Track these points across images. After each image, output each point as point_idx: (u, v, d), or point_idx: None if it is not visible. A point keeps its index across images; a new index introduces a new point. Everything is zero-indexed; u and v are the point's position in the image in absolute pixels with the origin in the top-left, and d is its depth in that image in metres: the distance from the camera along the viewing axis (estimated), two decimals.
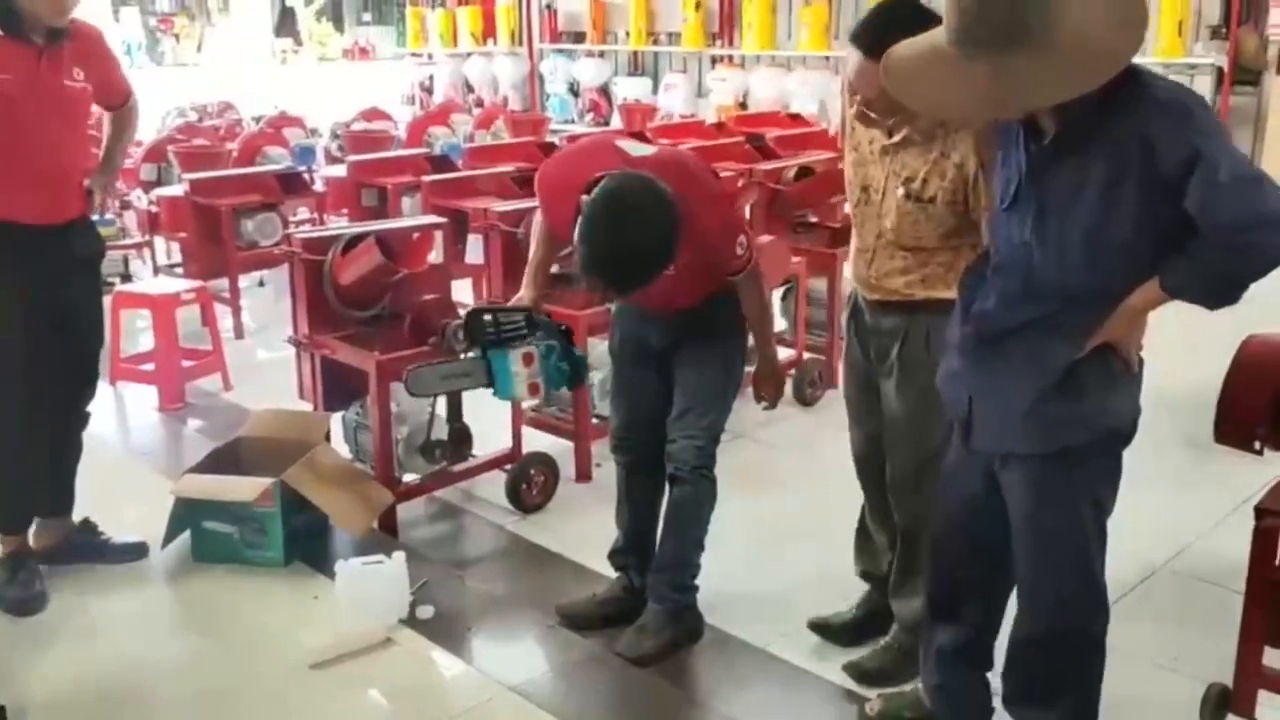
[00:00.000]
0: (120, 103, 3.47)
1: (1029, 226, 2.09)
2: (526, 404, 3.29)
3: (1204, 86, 8.43)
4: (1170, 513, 3.61)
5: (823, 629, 3.10)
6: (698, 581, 3.12)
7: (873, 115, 2.55)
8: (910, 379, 2.64)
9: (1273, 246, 1.92)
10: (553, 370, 3.07)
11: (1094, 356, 2.09)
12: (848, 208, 2.82)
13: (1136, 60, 1.96)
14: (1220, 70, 8.58)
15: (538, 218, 3.15)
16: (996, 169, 2.23)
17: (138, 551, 3.42)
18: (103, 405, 4.93)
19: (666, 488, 3.12)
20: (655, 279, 2.67)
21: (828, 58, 10.99)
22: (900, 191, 2.59)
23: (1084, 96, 1.92)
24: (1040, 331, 2.12)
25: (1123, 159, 1.96)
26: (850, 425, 2.96)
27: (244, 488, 3.27)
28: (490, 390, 3.12)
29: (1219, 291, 2.01)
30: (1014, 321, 2.14)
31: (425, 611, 3.05)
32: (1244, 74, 8.72)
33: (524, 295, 3.08)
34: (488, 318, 3.03)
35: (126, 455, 4.31)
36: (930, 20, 2.25)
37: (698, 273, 2.82)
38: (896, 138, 2.58)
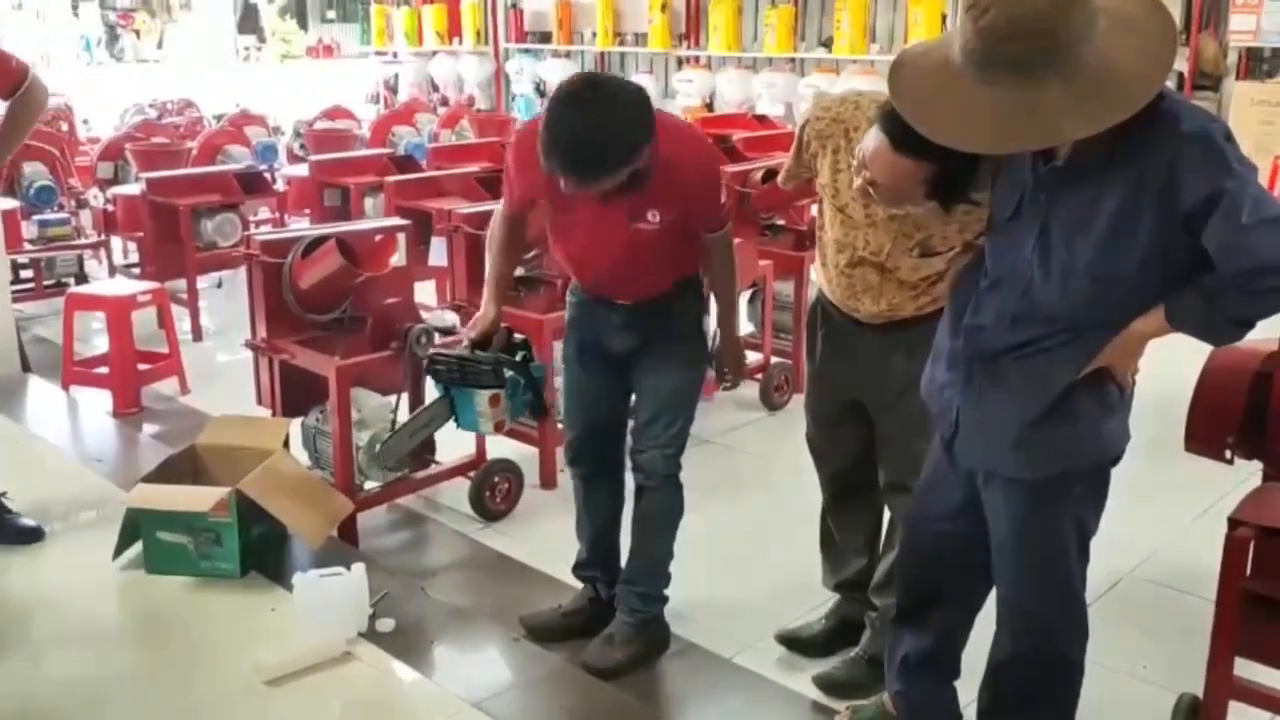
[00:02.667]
0: (11, 87, 3.19)
1: (1031, 246, 2.02)
2: None
3: None
4: (1136, 519, 3.58)
5: (791, 642, 3.06)
6: (667, 592, 3.08)
7: (873, 195, 2.31)
8: (914, 389, 2.56)
9: None
10: (519, 404, 3.01)
11: (1090, 382, 2.04)
12: (828, 248, 2.68)
13: None
14: (1181, 75, 8.64)
15: (494, 225, 3.02)
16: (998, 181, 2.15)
17: (33, 535, 3.43)
18: (55, 410, 4.86)
19: (628, 495, 3.08)
20: (622, 171, 2.50)
21: (794, 59, 10.98)
22: (915, 251, 2.49)
23: None
24: (1036, 353, 2.06)
25: (1140, 190, 1.88)
26: (823, 443, 2.91)
27: (198, 497, 3.17)
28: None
29: (1226, 331, 1.97)
30: (1010, 341, 2.08)
31: (386, 624, 2.98)
32: (1204, 79, 8.79)
33: (486, 313, 2.95)
34: (452, 362, 2.97)
35: (78, 461, 4.20)
36: None
37: (677, 237, 2.73)
38: (915, 209, 2.41)
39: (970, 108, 1.86)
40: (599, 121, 2.43)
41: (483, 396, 2.95)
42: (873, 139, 2.20)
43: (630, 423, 3.04)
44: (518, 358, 3.01)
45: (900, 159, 2.14)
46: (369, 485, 3.77)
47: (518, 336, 3.08)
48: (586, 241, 2.79)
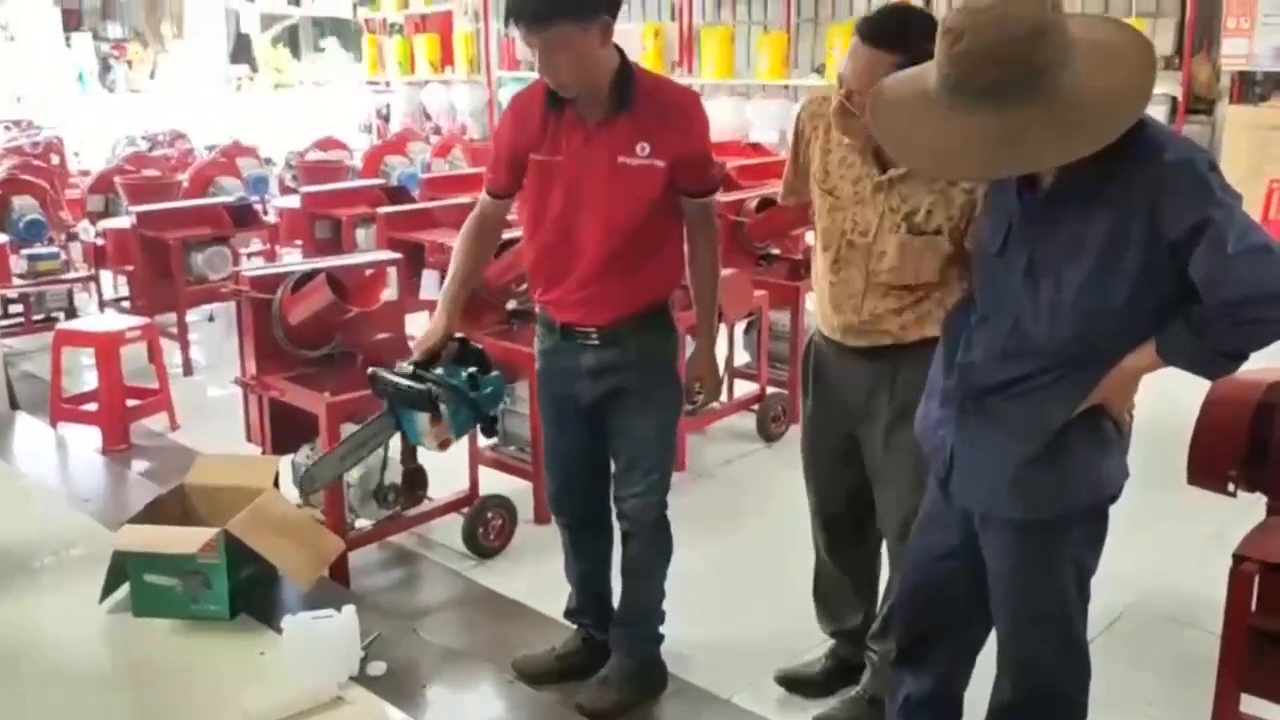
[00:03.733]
0: None
1: (1019, 279, 1.99)
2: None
3: (1158, 115, 8.41)
4: (1137, 552, 3.53)
5: (791, 682, 3.01)
6: (662, 630, 3.02)
7: (851, 110, 2.40)
8: (904, 425, 2.54)
9: (1278, 322, 1.83)
10: (461, 422, 2.85)
11: (1084, 420, 2.00)
12: (811, 237, 2.72)
13: None
14: (1174, 100, 8.68)
15: (466, 223, 2.91)
16: (985, 211, 2.15)
17: None
18: (43, 447, 4.81)
19: (616, 538, 3.01)
20: (575, 21, 2.46)
21: (787, 86, 11.01)
22: (902, 228, 2.47)
23: None
24: (1029, 390, 2.02)
25: (1126, 221, 1.86)
26: (819, 486, 2.86)
27: (186, 539, 3.11)
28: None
29: (1216, 364, 1.94)
30: (1001, 377, 2.05)
31: (377, 667, 2.91)
32: (1198, 103, 8.83)
33: (434, 329, 2.80)
34: (387, 384, 2.81)
35: (66, 500, 4.14)
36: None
37: (660, 202, 2.66)
38: (895, 172, 2.45)
39: (947, 135, 1.86)
40: None
41: (423, 417, 2.83)
42: (851, 46, 2.39)
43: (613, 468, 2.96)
44: (466, 373, 2.82)
45: (871, 52, 2.32)
46: (360, 523, 3.72)
47: (475, 345, 2.92)
48: (571, 185, 2.68)
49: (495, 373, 2.90)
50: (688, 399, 2.97)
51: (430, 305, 5.35)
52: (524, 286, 4.16)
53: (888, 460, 2.62)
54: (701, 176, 2.73)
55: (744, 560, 3.85)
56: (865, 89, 2.30)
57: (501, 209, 2.90)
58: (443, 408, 2.79)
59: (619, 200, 2.64)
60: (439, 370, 2.79)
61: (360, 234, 6.58)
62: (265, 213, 7.62)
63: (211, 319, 6.92)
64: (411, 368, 2.78)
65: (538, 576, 3.65)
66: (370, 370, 2.89)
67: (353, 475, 3.63)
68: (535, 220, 2.79)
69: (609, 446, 2.91)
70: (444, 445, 2.91)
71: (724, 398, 5.00)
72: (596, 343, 2.77)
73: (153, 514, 3.32)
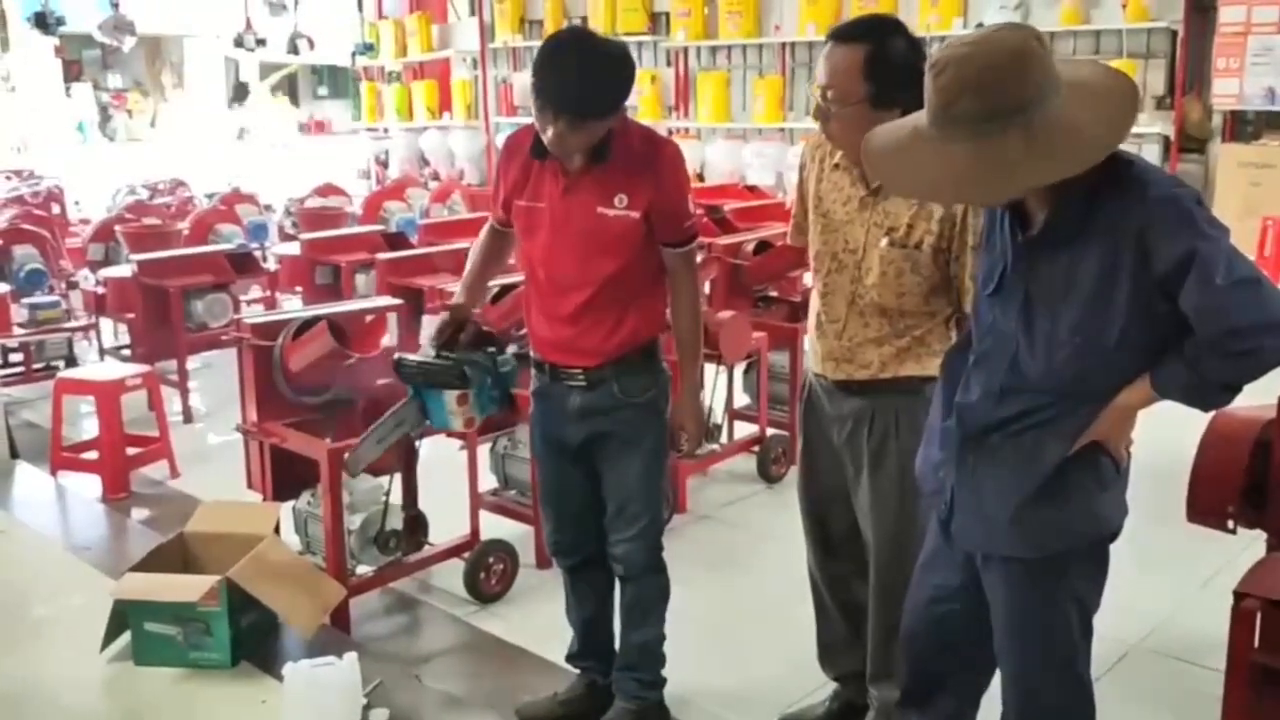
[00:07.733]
0: None
1: (1015, 317, 2.02)
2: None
3: (1151, 155, 8.59)
4: (1141, 589, 3.55)
5: None
6: (665, 673, 3.01)
7: (826, 110, 2.48)
8: (882, 468, 2.56)
9: (1271, 353, 1.85)
10: (486, 401, 2.92)
11: (1082, 456, 2.02)
12: (809, 279, 2.76)
13: None
14: (1167, 139, 8.75)
15: (478, 241, 3.07)
16: (980, 253, 2.18)
17: None
18: (43, 496, 4.80)
19: (615, 582, 3.00)
20: (613, 107, 2.60)
21: (783, 129, 11.10)
22: (884, 242, 2.50)
23: (1075, 187, 1.87)
24: (1026, 428, 2.04)
25: (1116, 256, 1.89)
26: (815, 527, 2.87)
27: (187, 587, 3.11)
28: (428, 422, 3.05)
29: (1212, 396, 1.96)
30: (998, 416, 2.06)
31: (379, 715, 2.90)
32: (1190, 142, 8.89)
33: (456, 301, 2.96)
34: (413, 366, 2.92)
35: (66, 549, 4.14)
36: (915, 47, 2.36)
37: (639, 249, 2.70)
38: (877, 184, 2.50)
39: (930, 161, 1.91)
40: (599, 50, 2.60)
41: (450, 395, 2.88)
42: (824, 54, 2.49)
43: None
44: (486, 351, 2.93)
45: (839, 48, 2.43)
46: (361, 570, 3.71)
47: (487, 329, 3.01)
48: (552, 232, 2.72)
49: (511, 349, 3.03)
50: (672, 446, 2.97)
51: None
52: (523, 331, 4.18)
53: (873, 502, 2.63)
54: (676, 227, 2.75)
55: (746, 602, 3.84)
56: (836, 85, 2.43)
57: (508, 235, 2.96)
58: (470, 389, 2.86)
59: (598, 250, 2.68)
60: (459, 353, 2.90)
61: (360, 280, 6.61)
62: (265, 259, 7.65)
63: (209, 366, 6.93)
64: (434, 351, 2.88)
65: (540, 621, 3.63)
66: (396, 356, 2.99)
67: (353, 521, 3.64)
68: (525, 261, 2.87)
69: (600, 486, 2.91)
70: (469, 424, 2.96)
71: (724, 439, 5.01)
72: (583, 383, 2.79)
73: (154, 562, 3.31)
